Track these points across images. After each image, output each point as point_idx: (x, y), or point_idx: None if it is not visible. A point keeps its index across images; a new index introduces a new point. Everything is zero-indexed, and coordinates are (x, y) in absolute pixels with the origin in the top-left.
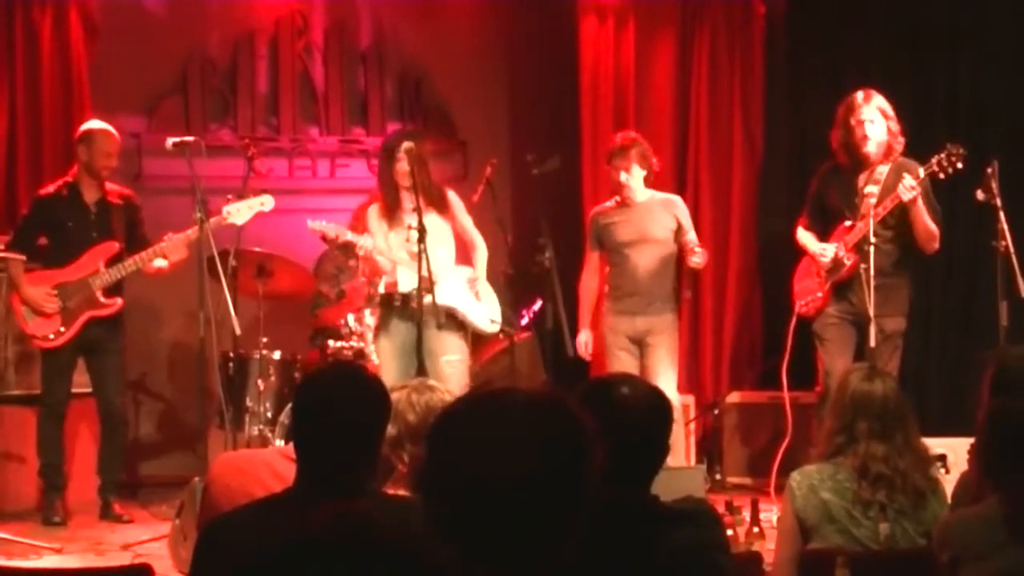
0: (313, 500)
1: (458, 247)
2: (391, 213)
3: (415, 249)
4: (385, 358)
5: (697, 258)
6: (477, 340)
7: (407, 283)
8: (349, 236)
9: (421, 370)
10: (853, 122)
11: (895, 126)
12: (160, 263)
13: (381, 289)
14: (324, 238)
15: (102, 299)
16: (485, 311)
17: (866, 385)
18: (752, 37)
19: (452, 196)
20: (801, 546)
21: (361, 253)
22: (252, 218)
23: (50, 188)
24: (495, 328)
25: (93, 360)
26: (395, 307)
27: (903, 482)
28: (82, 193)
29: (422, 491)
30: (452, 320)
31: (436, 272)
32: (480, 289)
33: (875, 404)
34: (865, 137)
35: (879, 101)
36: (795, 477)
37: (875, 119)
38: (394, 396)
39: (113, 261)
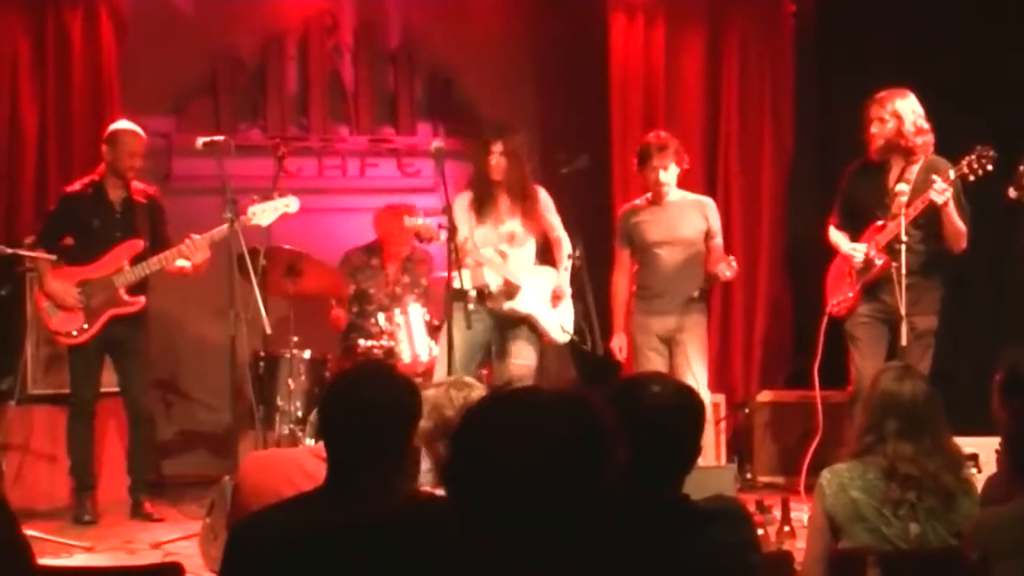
0: (342, 499)
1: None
2: (481, 208)
3: (503, 248)
4: (455, 351)
5: (727, 270)
6: None
7: (492, 283)
8: (444, 237)
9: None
10: (865, 121)
11: (912, 128)
12: (183, 263)
13: (468, 285)
14: (419, 235)
15: (125, 297)
16: (558, 319)
17: (895, 385)
18: (782, 35)
19: (542, 194)
20: (832, 544)
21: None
22: (277, 219)
23: (76, 186)
24: (566, 337)
25: (118, 359)
26: (473, 304)
27: (933, 483)
28: (107, 192)
29: (446, 488)
30: (528, 326)
31: (518, 275)
32: (561, 299)
33: (903, 404)
34: (872, 136)
35: (898, 102)
36: (825, 475)
37: (886, 118)
38: (432, 392)
39: (137, 260)
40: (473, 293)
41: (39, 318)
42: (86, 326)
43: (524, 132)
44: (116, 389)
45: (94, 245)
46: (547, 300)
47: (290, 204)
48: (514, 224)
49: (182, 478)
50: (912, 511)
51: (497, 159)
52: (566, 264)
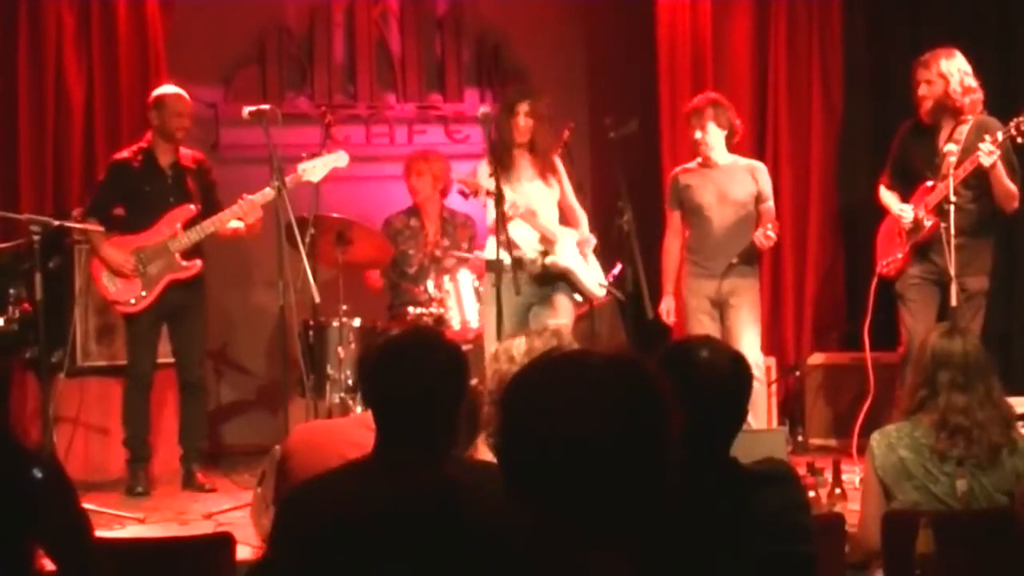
0: (391, 467)
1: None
2: (505, 173)
3: (532, 209)
4: (493, 321)
5: (763, 239)
6: None
7: (527, 246)
8: (488, 185)
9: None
10: (913, 83)
11: (959, 87)
12: (236, 224)
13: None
14: (463, 192)
15: (182, 262)
16: (594, 275)
17: (946, 342)
18: None
19: (557, 162)
20: (886, 503)
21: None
22: (327, 175)
23: (125, 153)
24: (603, 292)
25: (175, 326)
26: (506, 270)
27: (980, 434)
28: (157, 158)
29: (497, 452)
30: (566, 283)
31: (554, 232)
32: (588, 252)
33: (956, 359)
34: (920, 98)
35: (943, 63)
36: (875, 437)
37: (933, 80)
38: (513, 343)
39: (190, 224)
40: (508, 262)
41: (93, 290)
42: (144, 293)
43: (548, 96)
44: (170, 360)
45: (147, 211)
46: (579, 256)
47: (339, 158)
48: (536, 186)
49: (234, 448)
50: (959, 466)
51: (524, 119)
52: (585, 228)
